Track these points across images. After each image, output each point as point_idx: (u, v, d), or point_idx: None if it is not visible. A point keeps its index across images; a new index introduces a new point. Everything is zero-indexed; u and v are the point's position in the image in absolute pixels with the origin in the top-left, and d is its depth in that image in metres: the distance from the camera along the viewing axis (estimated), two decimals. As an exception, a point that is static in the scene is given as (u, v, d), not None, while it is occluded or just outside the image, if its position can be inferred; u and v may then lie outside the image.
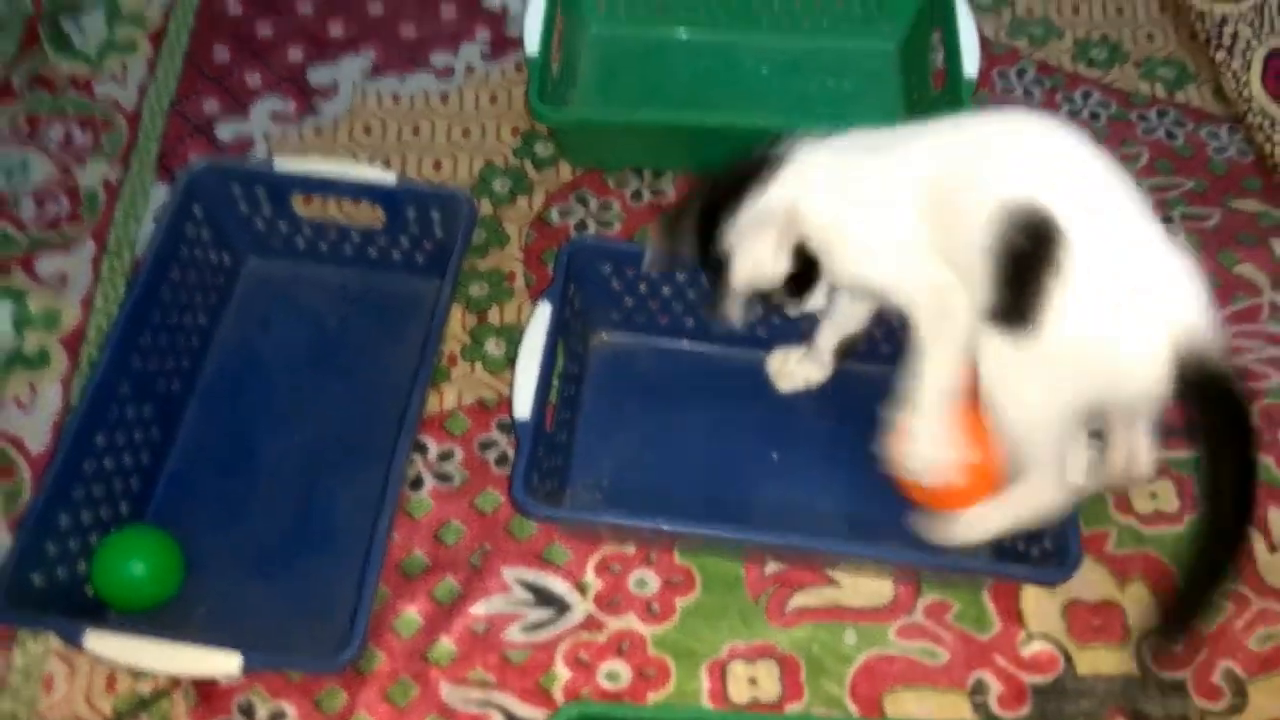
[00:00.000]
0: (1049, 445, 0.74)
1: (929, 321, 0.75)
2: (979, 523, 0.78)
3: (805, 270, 0.77)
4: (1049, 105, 1.13)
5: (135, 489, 0.84)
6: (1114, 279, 0.67)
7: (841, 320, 0.87)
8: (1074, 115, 1.13)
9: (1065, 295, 0.66)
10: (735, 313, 0.79)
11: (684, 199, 0.81)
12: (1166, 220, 1.04)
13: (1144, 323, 0.67)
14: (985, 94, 1.13)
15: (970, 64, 0.99)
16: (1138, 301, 0.67)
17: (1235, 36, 1.09)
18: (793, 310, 0.81)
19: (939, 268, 0.73)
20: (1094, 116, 1.13)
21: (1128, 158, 1.09)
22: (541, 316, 0.83)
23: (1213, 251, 1.03)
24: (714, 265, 0.78)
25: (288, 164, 0.91)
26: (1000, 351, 0.70)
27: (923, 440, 0.76)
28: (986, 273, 0.69)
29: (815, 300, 0.80)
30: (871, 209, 0.74)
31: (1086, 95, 1.15)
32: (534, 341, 0.82)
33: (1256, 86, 1.05)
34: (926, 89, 1.08)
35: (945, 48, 1.03)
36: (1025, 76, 1.16)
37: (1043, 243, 0.67)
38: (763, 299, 0.79)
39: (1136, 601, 0.84)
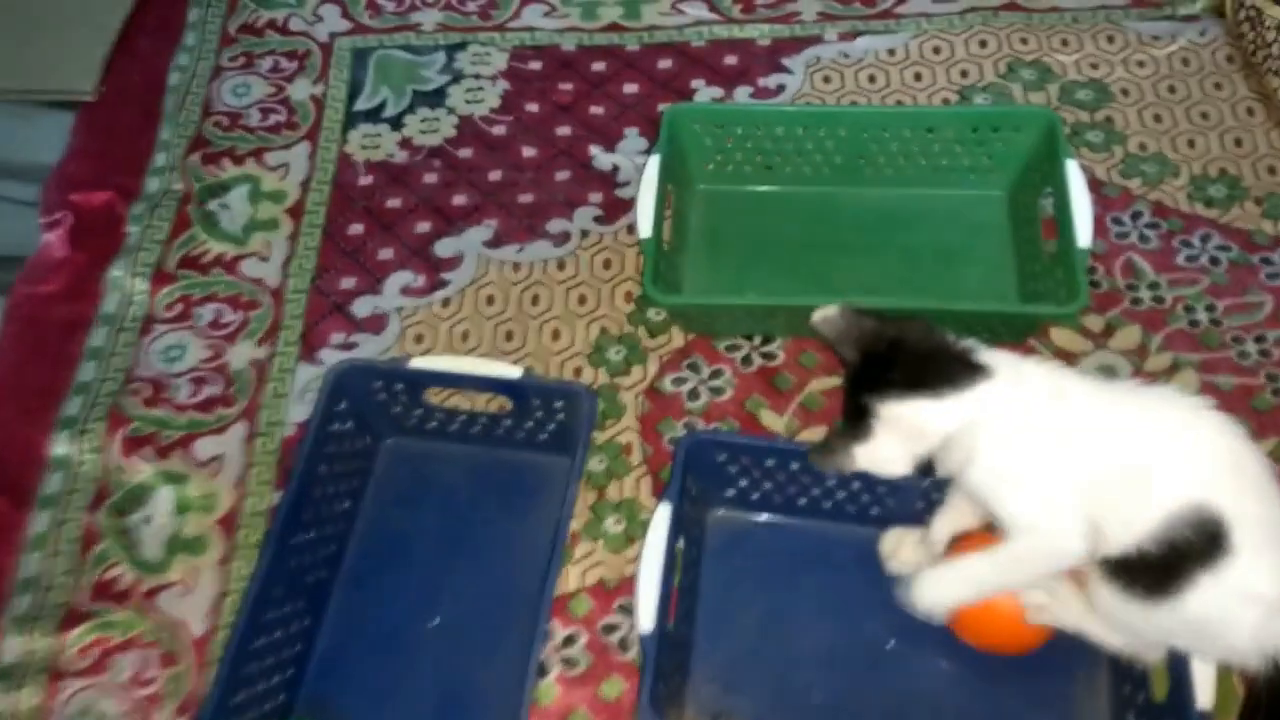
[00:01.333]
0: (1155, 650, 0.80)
1: (1027, 554, 0.78)
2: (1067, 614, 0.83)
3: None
4: (1165, 250, 1.12)
5: (290, 678, 0.91)
6: (1251, 580, 0.71)
7: (957, 514, 0.88)
8: (1192, 260, 1.11)
9: (1209, 588, 0.72)
10: (841, 467, 0.82)
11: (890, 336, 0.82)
12: (1294, 377, 1.02)
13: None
14: (1100, 242, 1.12)
15: (1084, 235, 0.99)
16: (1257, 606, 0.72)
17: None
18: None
19: (1075, 514, 0.75)
20: (1214, 261, 1.11)
21: (1251, 307, 1.07)
22: (661, 520, 0.87)
23: (1346, 408, 1.00)
24: (852, 415, 0.80)
25: (422, 361, 0.97)
26: (1118, 602, 0.75)
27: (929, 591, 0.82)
28: (1137, 549, 0.73)
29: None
30: (1039, 456, 0.77)
31: (1205, 238, 1.13)
32: (655, 546, 0.85)
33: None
34: (1038, 243, 1.08)
35: (1056, 216, 1.03)
36: (1140, 220, 1.15)
37: (1210, 542, 0.71)
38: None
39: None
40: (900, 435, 0.79)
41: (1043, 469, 0.77)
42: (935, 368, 0.79)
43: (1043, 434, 0.77)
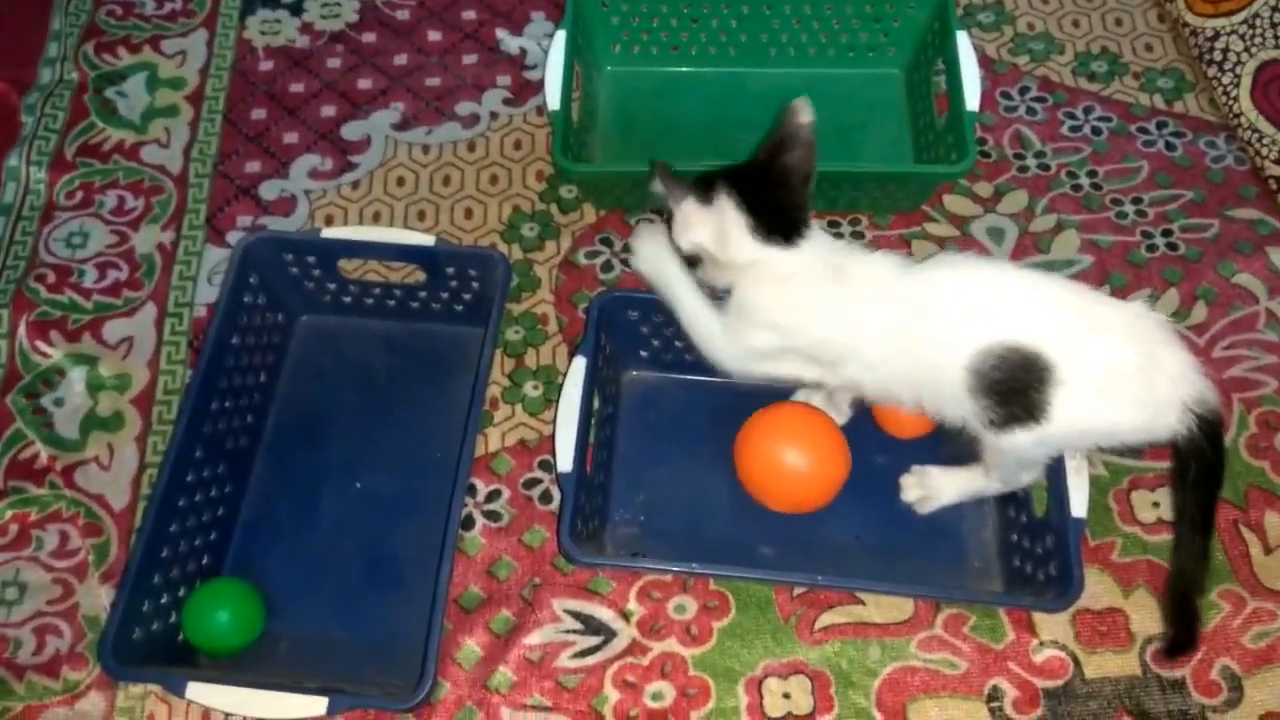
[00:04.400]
0: (1026, 469, 0.86)
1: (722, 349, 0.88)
2: (936, 499, 0.93)
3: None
4: (1051, 121, 1.18)
5: (214, 540, 0.92)
6: (1100, 371, 0.76)
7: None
8: (1076, 130, 1.17)
9: (1062, 395, 0.76)
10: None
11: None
12: (1166, 233, 1.09)
13: (1145, 402, 0.77)
14: (990, 115, 1.18)
15: (972, 99, 1.04)
16: (1138, 391, 0.77)
17: (1226, 51, 1.13)
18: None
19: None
20: (1095, 131, 1.17)
21: (1129, 171, 1.14)
22: (577, 371, 0.90)
23: (1212, 261, 1.08)
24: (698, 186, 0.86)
25: (333, 231, 0.97)
26: (1017, 441, 0.79)
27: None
28: (972, 396, 0.78)
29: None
30: (817, 313, 0.83)
31: (1088, 110, 1.19)
32: (571, 396, 0.89)
33: (1246, 101, 1.09)
34: (931, 116, 1.13)
35: (948, 83, 1.08)
36: (1028, 94, 1.20)
37: (1027, 368, 0.76)
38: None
39: (1140, 607, 0.90)
40: (709, 228, 0.84)
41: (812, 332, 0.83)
42: (779, 210, 0.84)
43: (832, 308, 0.83)
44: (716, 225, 0.84)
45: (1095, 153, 1.16)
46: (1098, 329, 0.77)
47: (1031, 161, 1.15)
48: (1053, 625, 0.90)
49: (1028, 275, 0.80)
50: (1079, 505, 0.84)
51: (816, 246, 0.84)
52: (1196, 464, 0.78)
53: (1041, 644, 0.89)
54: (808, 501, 0.92)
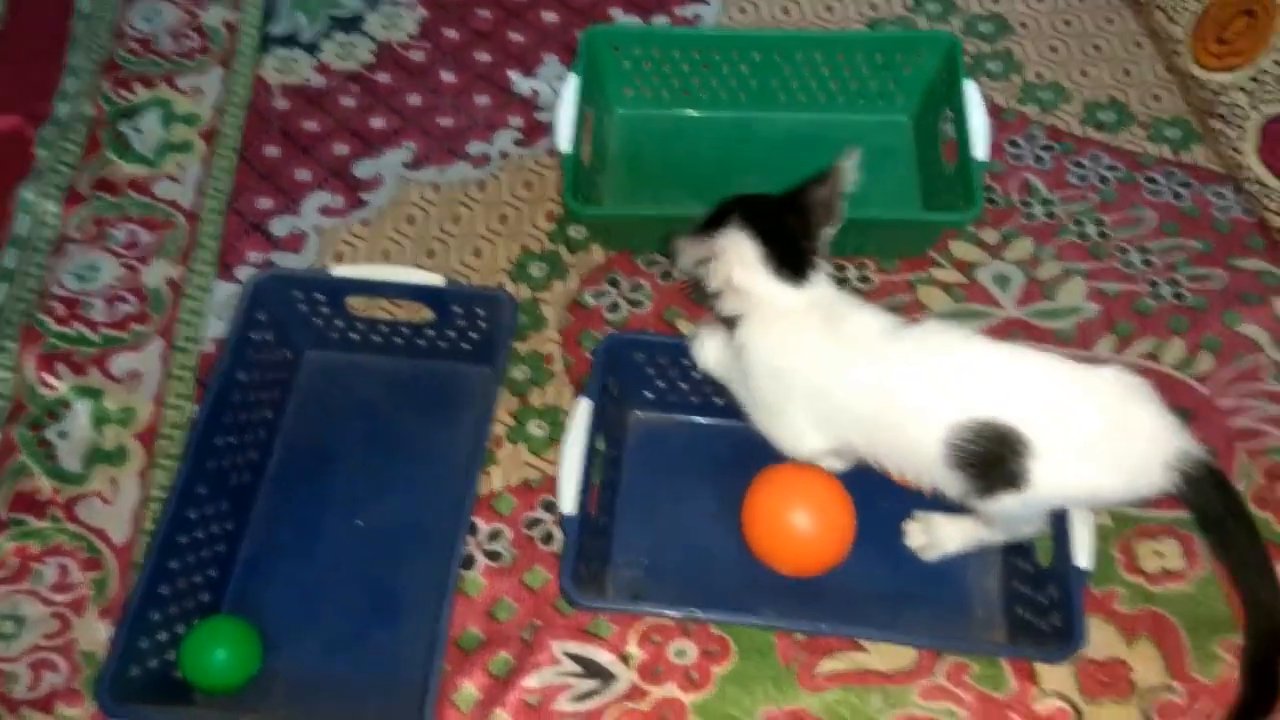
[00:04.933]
0: (1024, 525, 0.86)
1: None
2: (941, 547, 0.92)
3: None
4: (1058, 170, 1.19)
5: (214, 578, 0.92)
6: (1076, 439, 0.77)
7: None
8: (1083, 179, 1.18)
9: (1040, 466, 0.77)
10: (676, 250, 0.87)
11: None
12: (1173, 282, 1.09)
13: (1125, 465, 0.78)
14: (998, 163, 1.18)
15: (980, 148, 1.04)
16: (1117, 455, 0.78)
17: (1233, 105, 1.13)
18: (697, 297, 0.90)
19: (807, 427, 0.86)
20: (1103, 180, 1.18)
21: (1135, 220, 1.14)
22: (582, 413, 0.90)
23: (1218, 311, 1.08)
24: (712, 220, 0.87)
25: (343, 270, 0.98)
26: (1004, 505, 0.80)
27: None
28: (949, 469, 0.79)
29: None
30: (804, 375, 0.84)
31: (1095, 159, 1.20)
32: (575, 438, 0.89)
33: (1252, 156, 1.09)
34: (939, 163, 1.13)
35: (956, 131, 1.08)
36: (1035, 142, 1.21)
37: (1002, 443, 0.77)
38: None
39: (1143, 657, 0.89)
40: (722, 259, 0.84)
41: (790, 388, 0.84)
42: (792, 245, 0.84)
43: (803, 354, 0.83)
44: (728, 251, 0.84)
45: (1103, 201, 1.16)
46: (1072, 398, 0.78)
47: (1038, 209, 1.16)
48: (1055, 675, 0.89)
49: (1005, 349, 0.81)
50: (1083, 556, 0.83)
51: (819, 290, 0.85)
52: (1206, 514, 0.78)
53: (1043, 693, 0.88)
54: (813, 568, 0.91)
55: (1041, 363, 0.80)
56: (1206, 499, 0.78)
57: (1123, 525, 0.96)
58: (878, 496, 0.95)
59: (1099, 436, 0.77)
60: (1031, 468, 0.77)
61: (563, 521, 0.86)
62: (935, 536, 0.92)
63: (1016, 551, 0.91)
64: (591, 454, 0.90)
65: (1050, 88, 1.26)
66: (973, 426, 0.77)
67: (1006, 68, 1.28)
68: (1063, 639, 0.82)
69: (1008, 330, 1.07)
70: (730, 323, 0.87)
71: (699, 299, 0.88)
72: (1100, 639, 0.90)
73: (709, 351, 0.92)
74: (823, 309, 0.84)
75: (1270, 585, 0.78)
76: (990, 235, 1.13)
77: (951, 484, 0.81)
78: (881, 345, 0.82)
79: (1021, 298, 1.09)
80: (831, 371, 0.82)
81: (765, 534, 0.91)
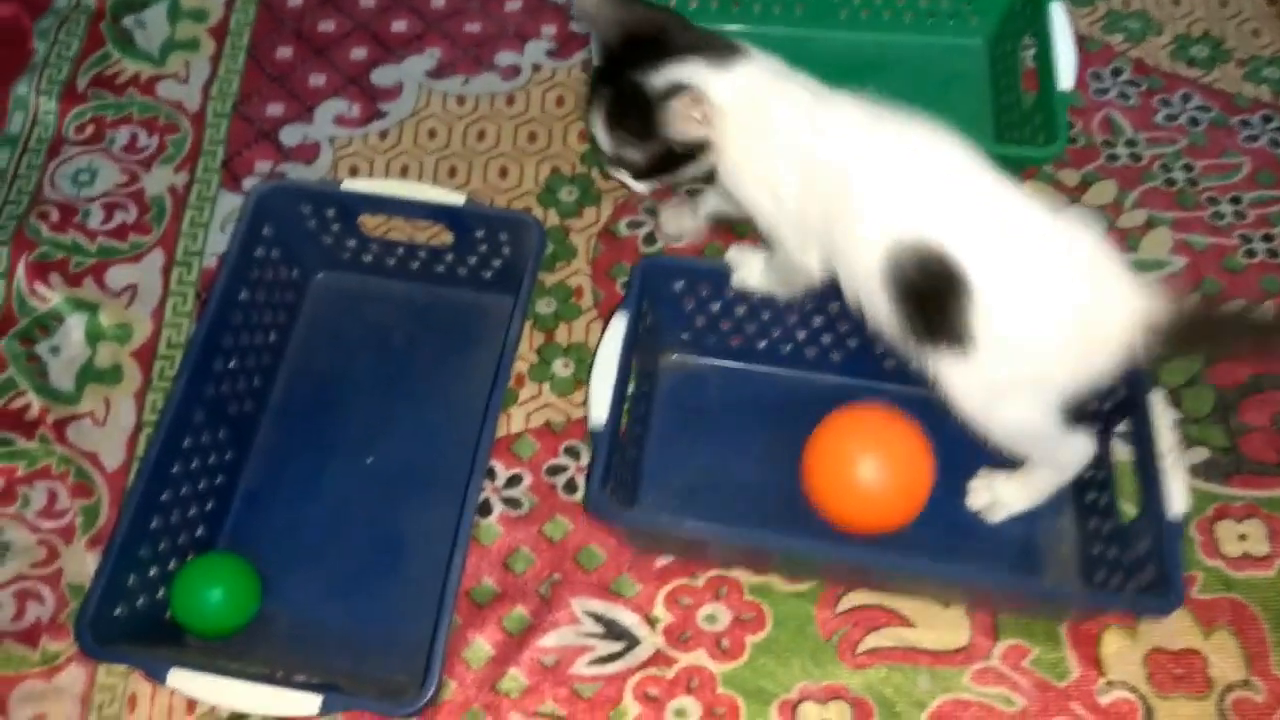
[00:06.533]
0: (1042, 442, 0.78)
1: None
2: (1006, 505, 0.85)
3: (667, 160, 0.78)
4: (1145, 108, 1.08)
5: (210, 511, 0.85)
6: (1031, 287, 0.69)
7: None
8: (1171, 120, 1.07)
9: (984, 314, 0.69)
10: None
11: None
12: (1267, 238, 0.99)
13: (1086, 312, 0.69)
14: (1079, 95, 1.07)
15: (1065, 77, 0.94)
16: (1069, 298, 0.69)
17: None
18: (629, 182, 0.82)
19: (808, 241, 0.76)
20: (1193, 122, 1.07)
21: (1228, 168, 1.04)
22: (617, 328, 0.82)
23: (1317, 272, 0.98)
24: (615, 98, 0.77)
25: (356, 184, 0.89)
26: (959, 374, 0.72)
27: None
28: (890, 303, 0.72)
29: (642, 188, 0.82)
30: (782, 162, 0.75)
31: (1186, 98, 1.09)
32: (610, 351, 0.81)
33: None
34: (1017, 93, 1.03)
35: (1037, 58, 0.98)
36: (1120, 76, 1.10)
37: (940, 277, 0.69)
38: (611, 160, 0.81)
39: (1220, 650, 0.82)
40: (674, 116, 0.74)
41: (784, 178, 0.75)
42: (708, 38, 0.77)
43: (791, 135, 0.74)
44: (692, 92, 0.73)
45: (1192, 145, 1.05)
46: (1035, 250, 0.70)
47: (1122, 150, 1.05)
48: (1123, 665, 0.81)
49: (989, 176, 0.71)
50: (1177, 502, 0.74)
51: (757, 62, 0.77)
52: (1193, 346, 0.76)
53: (1110, 684, 0.80)
54: (883, 526, 0.83)
55: (1017, 204, 0.71)
56: (1195, 336, 0.70)
57: (1203, 504, 0.87)
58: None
59: (1059, 295, 0.70)
60: (974, 322, 0.69)
61: (591, 435, 0.78)
62: (1000, 494, 0.84)
63: (1094, 514, 0.84)
64: (625, 375, 0.82)
65: (1138, 16, 1.14)
66: (914, 248, 0.69)
67: (1091, -7, 1.16)
68: (1161, 591, 0.73)
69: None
70: (711, 177, 0.79)
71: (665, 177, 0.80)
72: (1175, 627, 0.82)
73: (751, 266, 0.84)
74: (786, 84, 0.76)
75: None
76: (1070, 176, 1.03)
77: (893, 323, 0.73)
78: (858, 129, 0.74)
79: (1100, 247, 0.99)
80: (806, 146, 0.74)
81: (830, 484, 0.83)
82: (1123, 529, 0.80)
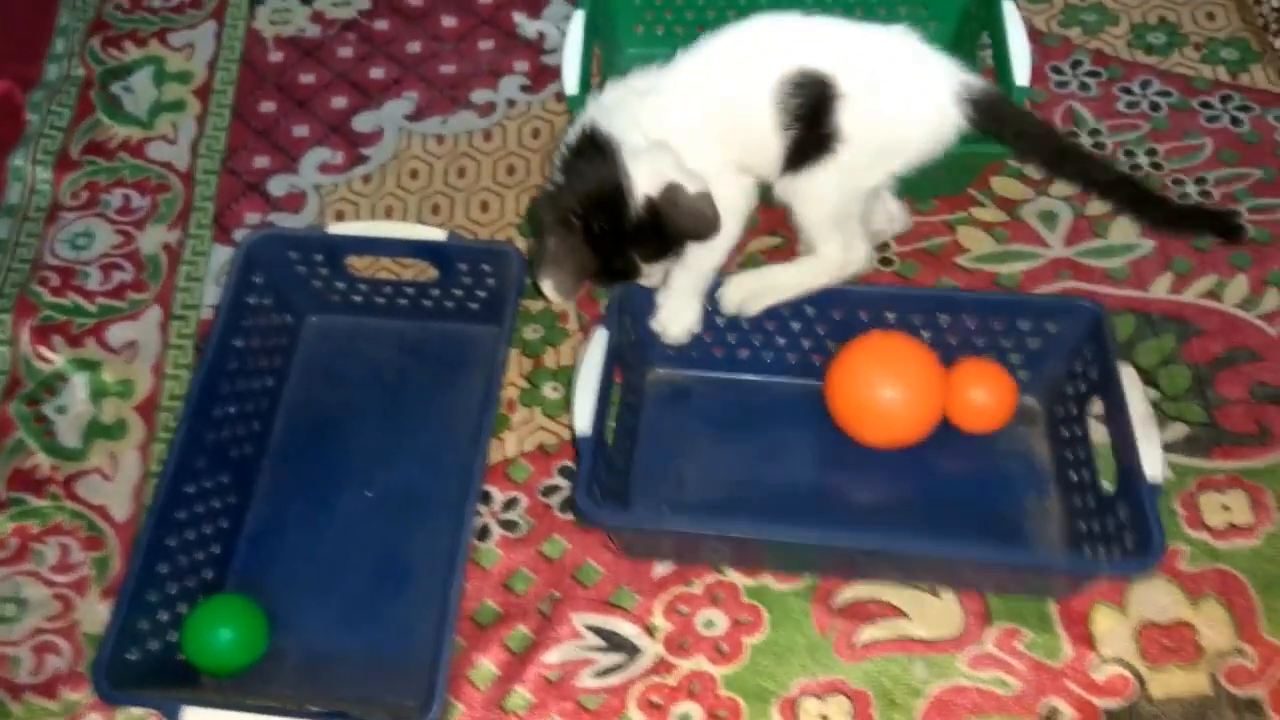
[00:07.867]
0: (848, 223, 0.88)
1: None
2: (766, 295, 0.90)
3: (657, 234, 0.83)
4: (1106, 97, 1.10)
5: (217, 554, 0.88)
6: (883, 81, 0.84)
7: None
8: (1133, 107, 1.09)
9: (852, 109, 0.83)
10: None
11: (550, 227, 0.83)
12: (1232, 213, 1.01)
13: (918, 98, 0.85)
14: (1040, 91, 1.10)
15: (1021, 73, 0.96)
16: (908, 88, 0.85)
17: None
18: (648, 282, 0.88)
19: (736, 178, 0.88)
20: (1154, 107, 1.09)
21: (1191, 149, 1.06)
22: (598, 341, 0.85)
23: (1283, 244, 0.99)
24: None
25: (340, 227, 0.93)
26: (816, 180, 0.85)
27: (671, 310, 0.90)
28: (783, 138, 0.84)
29: (656, 277, 0.87)
30: (684, 140, 0.85)
31: (1145, 85, 1.11)
32: (592, 361, 0.84)
33: (1323, 72, 1.00)
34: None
35: (994, 56, 1.00)
36: (1080, 68, 1.13)
37: (819, 85, 0.83)
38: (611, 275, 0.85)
39: (1209, 619, 0.83)
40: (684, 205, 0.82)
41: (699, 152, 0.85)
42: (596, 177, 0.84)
43: (677, 129, 0.85)
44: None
45: (1154, 130, 1.08)
46: (866, 50, 0.85)
47: (1086, 140, 1.07)
48: (1115, 640, 0.82)
49: (806, 20, 0.88)
50: (1152, 467, 0.77)
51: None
52: (1003, 134, 0.85)
53: (1102, 660, 0.82)
54: (905, 431, 0.89)
55: (837, 26, 0.88)
56: (1002, 120, 0.85)
57: (1185, 477, 0.89)
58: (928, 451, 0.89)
59: (896, 78, 0.84)
60: (842, 119, 0.82)
61: (577, 442, 0.81)
62: (756, 287, 0.90)
63: (1076, 491, 0.86)
64: (608, 384, 0.85)
65: (1094, 9, 1.17)
66: (792, 77, 0.83)
67: (1046, -11, 1.19)
68: (1140, 551, 0.75)
69: (1055, 272, 0.99)
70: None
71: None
72: (1164, 600, 0.83)
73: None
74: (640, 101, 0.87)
75: (1082, 153, 0.91)
76: (1034, 169, 1.05)
77: (784, 155, 0.85)
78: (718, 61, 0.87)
79: (1070, 236, 1.01)
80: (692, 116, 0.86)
81: (854, 401, 0.89)
82: (1105, 501, 0.82)
